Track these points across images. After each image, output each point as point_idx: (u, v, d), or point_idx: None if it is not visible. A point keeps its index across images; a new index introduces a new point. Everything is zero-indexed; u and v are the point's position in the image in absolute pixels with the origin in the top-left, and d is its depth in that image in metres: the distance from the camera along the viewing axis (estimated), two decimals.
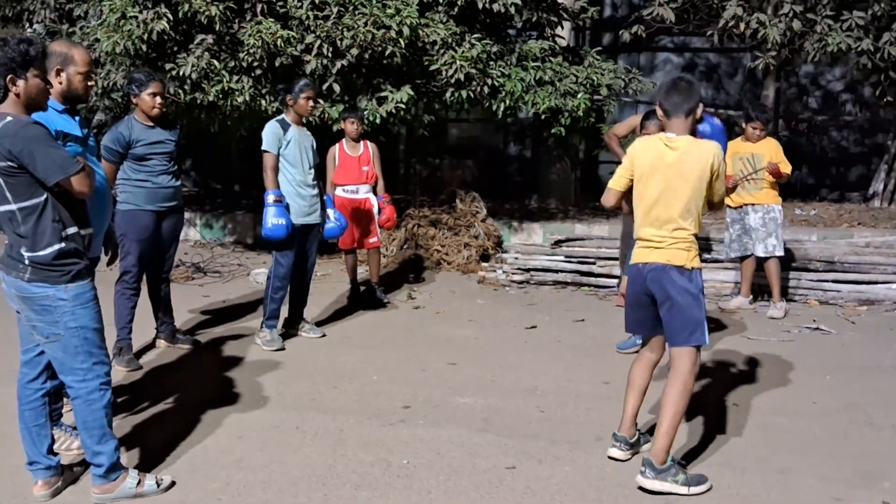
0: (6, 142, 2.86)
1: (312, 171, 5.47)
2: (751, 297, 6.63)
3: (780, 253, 6.39)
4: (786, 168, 6.33)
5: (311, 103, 5.40)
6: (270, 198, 5.19)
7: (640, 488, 3.32)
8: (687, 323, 3.34)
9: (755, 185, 6.36)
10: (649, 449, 3.38)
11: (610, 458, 3.66)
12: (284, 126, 5.36)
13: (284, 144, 5.32)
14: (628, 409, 3.64)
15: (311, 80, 5.74)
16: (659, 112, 3.48)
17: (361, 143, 6.65)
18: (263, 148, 5.30)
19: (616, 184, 3.57)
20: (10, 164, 2.88)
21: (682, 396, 3.33)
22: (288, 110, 5.44)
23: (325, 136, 7.81)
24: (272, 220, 5.14)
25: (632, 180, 3.52)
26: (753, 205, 6.39)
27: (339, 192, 6.60)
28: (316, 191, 5.52)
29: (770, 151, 6.34)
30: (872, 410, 4.30)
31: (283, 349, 5.35)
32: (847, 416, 4.24)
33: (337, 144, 6.69)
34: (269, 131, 5.33)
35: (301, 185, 5.38)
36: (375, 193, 6.66)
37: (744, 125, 6.53)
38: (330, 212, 5.80)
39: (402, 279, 7.66)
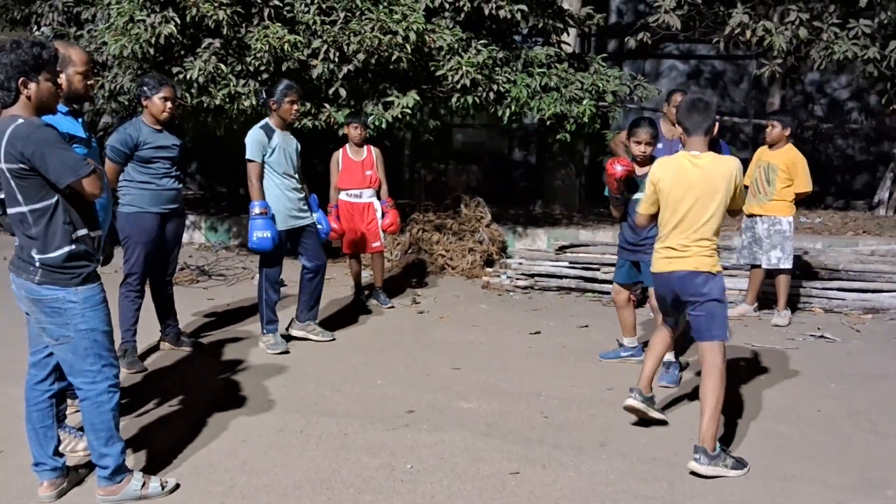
0: (18, 144, 2.88)
1: (297, 174, 5.41)
2: (756, 305, 6.60)
3: (786, 266, 6.28)
4: (800, 187, 6.23)
5: (295, 107, 5.26)
6: (256, 209, 5.10)
7: (694, 473, 3.51)
8: (714, 322, 3.70)
9: (764, 196, 6.35)
10: (698, 436, 3.58)
11: (624, 408, 4.05)
12: (269, 132, 5.21)
13: (269, 152, 5.19)
14: (646, 370, 4.09)
15: (295, 83, 5.47)
16: (679, 130, 3.77)
17: (365, 147, 6.67)
18: (247, 157, 5.17)
19: (646, 209, 3.91)
20: (21, 166, 2.90)
21: (720, 385, 3.63)
22: (271, 114, 5.29)
23: (329, 140, 7.84)
24: (258, 233, 5.06)
25: (658, 200, 3.82)
26: (761, 216, 6.36)
27: (342, 196, 6.62)
28: (303, 194, 5.47)
29: (786, 163, 6.23)
30: (877, 418, 4.30)
31: (287, 352, 5.36)
32: (851, 423, 4.23)
33: (340, 149, 6.71)
34: (253, 139, 5.18)
35: (288, 189, 5.33)
36: (379, 198, 6.68)
37: None
38: (315, 215, 5.62)
39: (406, 284, 7.67)
